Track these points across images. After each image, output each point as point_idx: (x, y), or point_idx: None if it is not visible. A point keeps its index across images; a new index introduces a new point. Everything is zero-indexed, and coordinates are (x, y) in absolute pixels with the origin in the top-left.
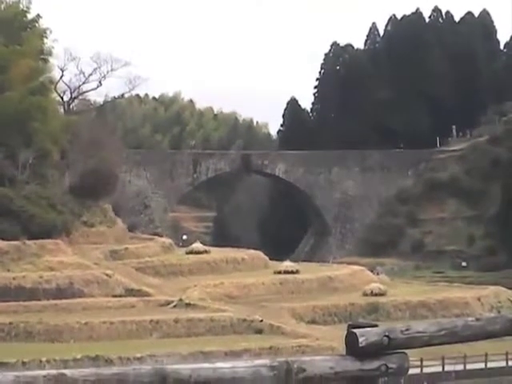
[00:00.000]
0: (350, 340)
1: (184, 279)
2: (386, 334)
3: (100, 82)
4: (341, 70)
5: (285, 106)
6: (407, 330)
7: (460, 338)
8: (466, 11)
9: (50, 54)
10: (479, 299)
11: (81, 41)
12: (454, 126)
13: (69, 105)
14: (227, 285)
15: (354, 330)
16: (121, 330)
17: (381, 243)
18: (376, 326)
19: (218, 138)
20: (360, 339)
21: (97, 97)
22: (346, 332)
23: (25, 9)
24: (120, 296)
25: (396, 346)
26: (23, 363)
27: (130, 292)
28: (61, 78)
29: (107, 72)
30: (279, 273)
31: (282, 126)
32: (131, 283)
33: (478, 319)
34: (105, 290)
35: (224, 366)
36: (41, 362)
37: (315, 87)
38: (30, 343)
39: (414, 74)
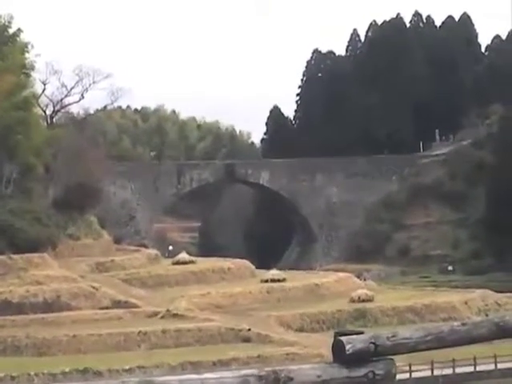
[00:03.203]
0: (337, 348)
1: (171, 290)
2: (373, 340)
3: (82, 95)
4: (323, 76)
5: (268, 114)
6: (393, 336)
7: (446, 343)
8: (446, 15)
9: (32, 68)
10: (466, 303)
11: (62, 54)
12: (437, 131)
13: (52, 118)
14: (214, 294)
15: (341, 338)
16: (109, 342)
17: (367, 249)
18: (362, 332)
19: (201, 147)
20: (347, 347)
21: (79, 109)
22: (332, 340)
23: (6, 23)
24: (107, 308)
25: (383, 353)
26: (12, 377)
27: (117, 304)
28: (43, 91)
29: (89, 84)
30: (266, 281)
31: (265, 134)
32: (118, 295)
33: (463, 324)
34: (92, 303)
35: (212, 376)
36: (29, 375)
37: (297, 95)
38: (18, 357)
39: (396, 79)
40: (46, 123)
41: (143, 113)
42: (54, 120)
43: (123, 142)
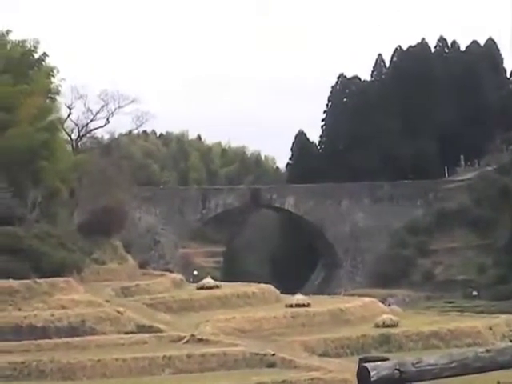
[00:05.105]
0: (362, 374)
1: (196, 314)
2: (397, 367)
3: (108, 120)
4: (348, 101)
5: (293, 139)
6: (418, 362)
7: (471, 369)
8: (471, 40)
9: (58, 92)
10: (491, 328)
11: (88, 78)
12: (462, 156)
13: (77, 143)
14: (239, 319)
15: (366, 364)
16: (133, 367)
17: (392, 274)
18: (387, 359)
19: (226, 173)
20: (371, 373)
21: (105, 134)
22: (357, 366)
23: (32, 48)
24: (132, 333)
25: (407, 379)
26: None
27: (142, 328)
28: (68, 116)
29: (115, 109)
30: (290, 306)
31: (290, 159)
32: (143, 319)
33: (488, 350)
34: (116, 327)
35: None
36: None
37: (323, 120)
38: (42, 382)
39: (421, 105)
40: (71, 147)
41: (165, 137)
42: (79, 144)
43: (148, 167)
